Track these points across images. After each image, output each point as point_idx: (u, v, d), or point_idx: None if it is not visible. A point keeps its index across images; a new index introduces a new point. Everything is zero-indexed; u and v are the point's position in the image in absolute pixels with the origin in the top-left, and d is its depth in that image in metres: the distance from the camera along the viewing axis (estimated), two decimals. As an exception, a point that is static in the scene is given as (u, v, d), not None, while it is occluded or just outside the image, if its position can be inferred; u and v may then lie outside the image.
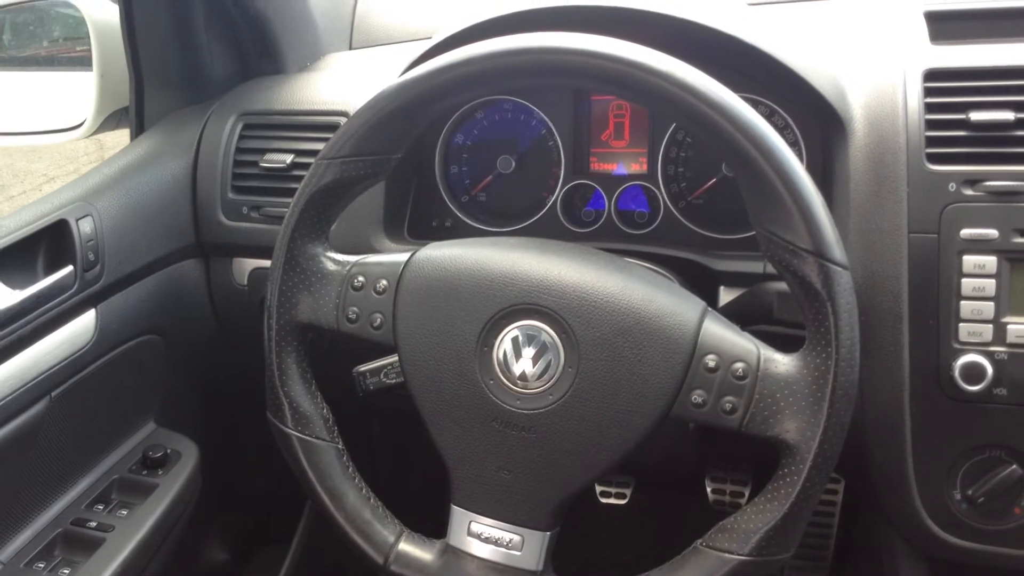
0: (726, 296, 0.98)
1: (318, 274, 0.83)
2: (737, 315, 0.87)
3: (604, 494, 1.51)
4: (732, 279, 0.97)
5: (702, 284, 0.98)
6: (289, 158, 1.11)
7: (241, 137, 1.15)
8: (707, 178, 1.06)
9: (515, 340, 0.78)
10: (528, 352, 0.77)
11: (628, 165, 1.09)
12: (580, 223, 1.10)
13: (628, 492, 1.50)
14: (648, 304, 0.76)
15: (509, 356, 0.77)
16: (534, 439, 0.77)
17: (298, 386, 0.84)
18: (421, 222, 1.14)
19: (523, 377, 0.77)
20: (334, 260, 0.84)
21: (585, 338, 0.76)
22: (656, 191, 1.07)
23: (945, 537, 0.89)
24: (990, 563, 0.90)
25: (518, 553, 0.79)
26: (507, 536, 0.79)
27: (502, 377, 0.78)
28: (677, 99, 0.72)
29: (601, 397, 0.76)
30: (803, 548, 1.51)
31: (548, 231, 1.09)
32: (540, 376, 0.77)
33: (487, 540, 0.79)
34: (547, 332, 0.77)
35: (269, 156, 1.12)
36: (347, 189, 0.82)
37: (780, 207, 0.71)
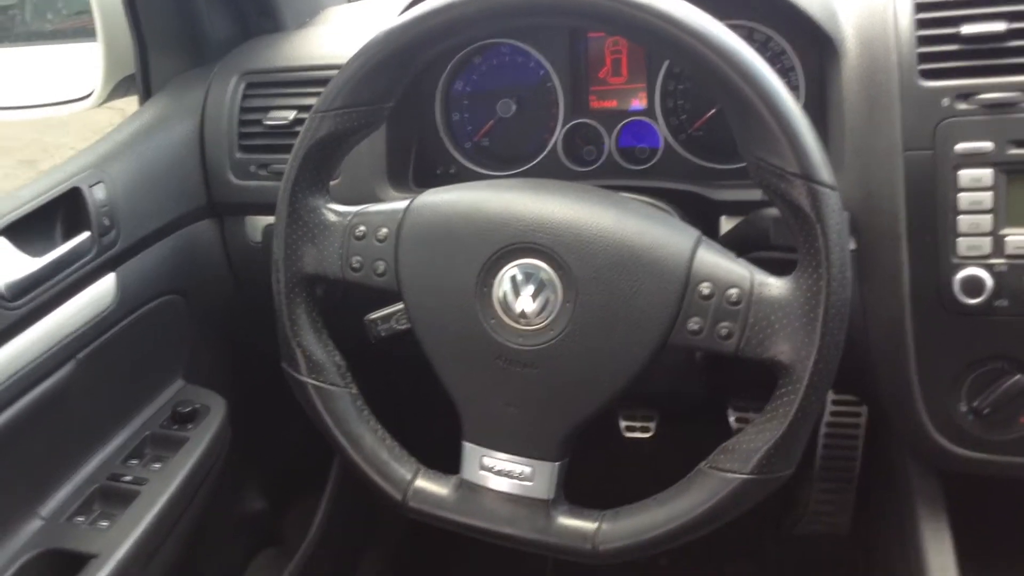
0: (727, 225, 0.99)
1: (320, 226, 0.85)
2: (736, 243, 0.88)
3: (629, 428, 1.54)
4: (733, 208, 0.98)
5: (703, 215, 0.99)
6: (292, 114, 1.13)
7: (244, 96, 1.17)
8: (706, 109, 1.06)
9: (513, 279, 0.79)
10: (527, 290, 0.79)
11: (627, 101, 1.09)
12: (583, 162, 1.11)
13: (652, 426, 1.53)
14: (641, 236, 0.77)
15: (508, 295, 0.79)
16: (538, 374, 0.79)
17: (310, 335, 0.87)
18: (425, 171, 1.15)
19: (523, 315, 0.79)
20: (335, 211, 0.86)
21: (581, 273, 0.78)
22: (656, 126, 1.07)
23: (952, 449, 0.91)
24: (997, 472, 0.92)
25: (529, 484, 0.81)
26: (518, 468, 0.81)
27: (503, 316, 0.80)
28: (658, 30, 0.72)
29: (600, 330, 0.77)
30: (830, 471, 1.54)
31: (551, 172, 1.10)
32: (539, 313, 0.79)
33: (499, 473, 0.82)
34: (544, 269, 0.79)
35: (272, 114, 1.14)
36: (343, 141, 0.84)
37: (766, 132, 0.72)
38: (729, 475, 0.76)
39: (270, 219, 1.19)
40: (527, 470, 0.81)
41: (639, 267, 0.77)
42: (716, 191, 0.99)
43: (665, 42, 0.73)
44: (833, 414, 1.50)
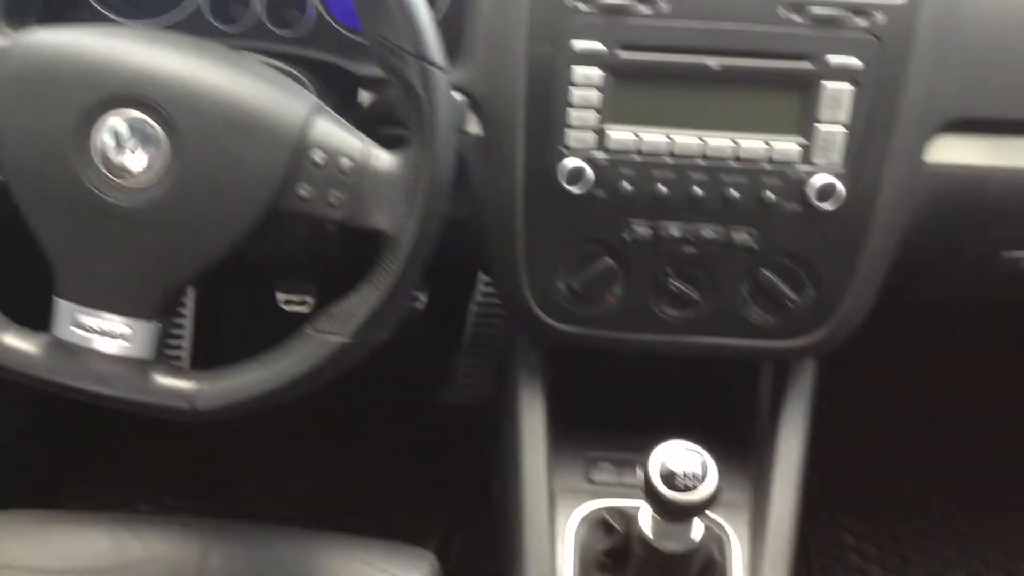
0: (366, 100, 0.99)
1: None
2: (369, 118, 0.89)
3: (288, 302, 1.54)
4: (373, 83, 0.99)
5: (345, 88, 0.98)
6: None
7: None
8: None
9: (116, 132, 0.76)
10: (130, 144, 0.76)
11: None
12: (229, 21, 1.05)
13: (310, 300, 1.54)
14: (256, 97, 0.76)
15: (109, 148, 0.76)
16: (138, 231, 0.77)
17: None
18: (53, 16, 1.05)
19: (125, 169, 0.76)
20: None
21: (189, 130, 0.75)
22: None
23: (550, 323, 1.00)
24: (589, 343, 1.02)
25: (127, 343, 0.79)
26: (115, 327, 0.79)
27: (103, 169, 0.76)
28: None
29: (206, 189, 0.76)
30: (477, 346, 1.64)
31: (194, 29, 1.04)
32: (143, 168, 0.76)
33: (94, 331, 0.79)
34: (150, 124, 0.76)
35: None
36: None
37: (385, 10, 0.74)
38: (329, 337, 0.79)
39: None
40: (126, 330, 0.79)
41: (250, 129, 0.76)
42: (360, 65, 0.99)
43: None
44: (483, 294, 1.60)
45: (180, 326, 1.48)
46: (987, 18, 0.95)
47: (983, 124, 0.96)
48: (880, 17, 0.89)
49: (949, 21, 0.92)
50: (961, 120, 0.95)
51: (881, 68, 0.90)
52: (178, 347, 1.49)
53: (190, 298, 1.50)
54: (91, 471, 1.62)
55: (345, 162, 0.76)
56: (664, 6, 0.90)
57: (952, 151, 0.96)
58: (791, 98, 0.91)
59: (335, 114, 0.80)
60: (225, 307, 1.68)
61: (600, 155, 0.92)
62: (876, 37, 0.90)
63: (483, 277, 1.57)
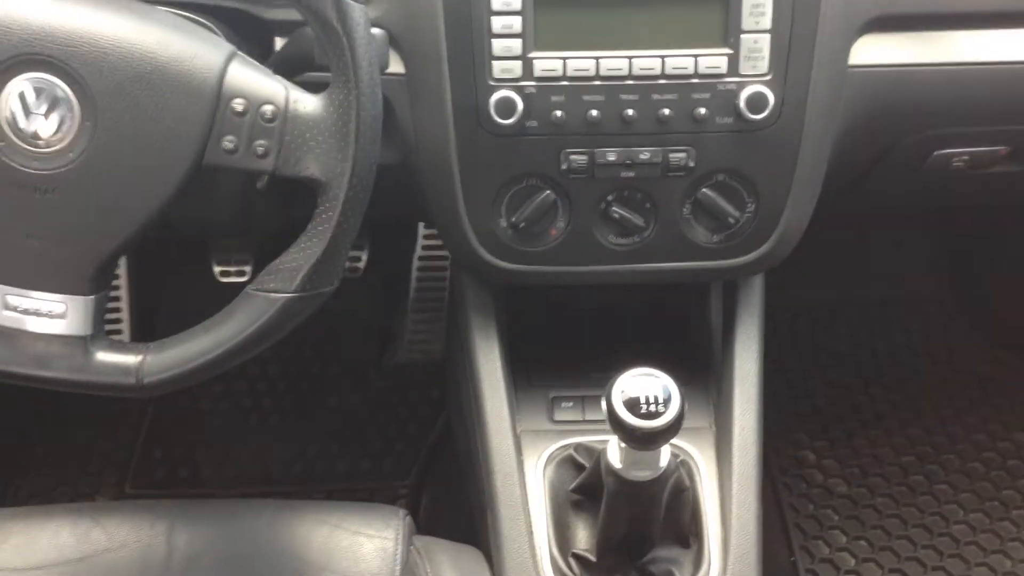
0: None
1: None
2: (287, 64, 0.86)
3: (224, 273, 1.50)
4: (286, 28, 0.95)
5: (258, 35, 0.95)
6: None
7: None
8: None
9: (22, 96, 0.72)
10: (39, 108, 0.72)
11: None
12: None
13: (248, 269, 1.50)
14: (166, 48, 0.73)
15: (17, 114, 0.72)
16: (59, 201, 0.73)
17: None
18: None
19: (36, 136, 0.72)
20: None
21: (99, 89, 0.72)
22: None
23: (495, 262, 0.98)
24: (536, 281, 1.01)
25: (63, 321, 0.76)
26: (48, 305, 0.76)
27: (13, 137, 0.72)
28: None
29: (125, 150, 0.73)
30: (423, 302, 1.63)
31: None
32: (55, 133, 0.72)
33: (26, 312, 0.76)
34: (57, 85, 0.72)
35: None
36: None
37: None
38: (273, 295, 0.77)
39: None
40: (59, 307, 0.76)
41: (165, 81, 0.72)
42: (268, 10, 0.96)
43: None
44: (425, 248, 1.58)
45: (116, 299, 1.44)
46: None
47: (902, 20, 0.97)
48: None
49: None
50: (881, 18, 0.96)
51: None
52: (118, 321, 1.45)
53: (125, 272, 1.46)
54: (43, 467, 1.57)
55: (269, 109, 0.74)
56: None
57: (875, 51, 0.97)
58: (714, 9, 0.91)
59: (252, 60, 0.77)
60: (162, 279, 1.64)
61: (528, 84, 0.91)
62: None
63: (423, 230, 1.55)
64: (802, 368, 1.77)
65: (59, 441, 1.60)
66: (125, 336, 1.45)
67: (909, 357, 1.80)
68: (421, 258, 1.59)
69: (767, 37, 0.91)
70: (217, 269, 1.51)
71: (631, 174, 0.95)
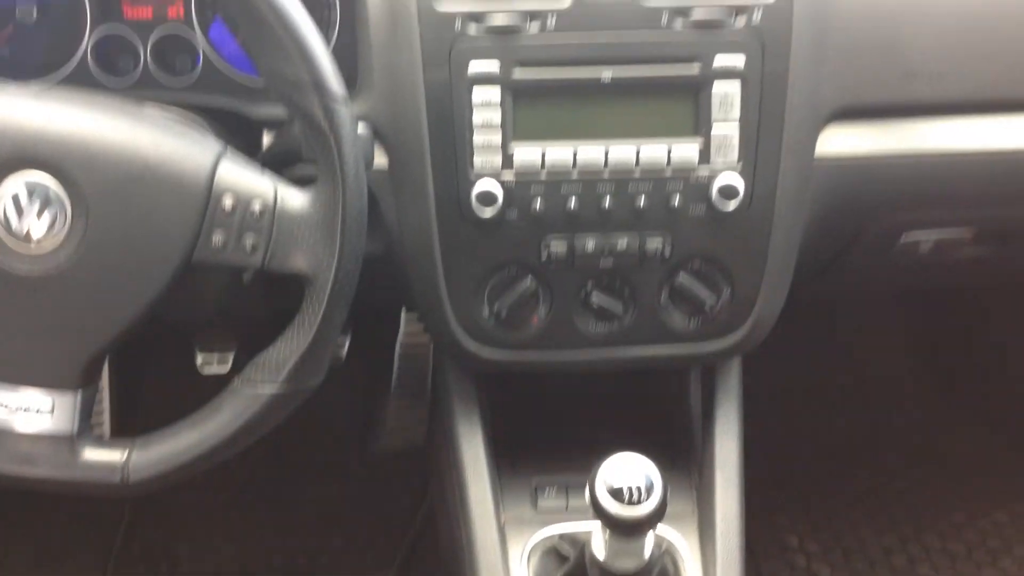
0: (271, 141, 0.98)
1: None
2: (276, 160, 0.88)
3: (206, 363, 1.50)
4: (274, 125, 0.98)
5: (246, 131, 0.97)
6: None
7: None
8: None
9: (15, 198, 0.73)
10: (32, 209, 0.73)
11: (163, 9, 1.03)
12: (118, 74, 1.03)
13: (230, 358, 1.50)
14: (157, 148, 0.75)
15: (11, 215, 0.73)
16: (50, 299, 0.74)
17: None
18: None
19: (28, 236, 0.73)
20: None
21: (92, 189, 0.74)
22: (193, 39, 1.03)
23: (479, 350, 0.99)
24: (521, 368, 1.02)
25: (50, 417, 0.76)
26: (34, 402, 0.76)
27: (5, 238, 0.73)
28: None
29: (115, 248, 0.74)
30: (405, 388, 1.62)
31: (83, 85, 1.02)
32: (47, 233, 0.73)
33: (13, 409, 0.76)
34: (50, 186, 0.73)
35: None
36: None
37: (275, 41, 0.73)
38: (260, 389, 0.78)
39: None
40: (45, 403, 0.76)
41: (156, 181, 0.74)
42: (256, 107, 0.98)
43: None
44: (407, 334, 1.58)
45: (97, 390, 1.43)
46: (858, 10, 1.00)
47: (866, 111, 1.01)
48: (758, 15, 0.93)
49: (824, 15, 0.97)
50: (845, 108, 0.99)
51: (765, 65, 0.94)
52: (99, 412, 1.44)
53: (106, 361, 1.46)
54: (20, 550, 1.54)
55: (257, 205, 0.75)
56: (552, 21, 0.92)
57: (841, 140, 1.00)
58: (685, 101, 0.94)
59: (242, 157, 0.79)
60: (142, 368, 1.63)
61: (507, 176, 0.93)
62: (756, 35, 0.93)
63: (405, 317, 1.56)
64: (782, 450, 1.78)
65: (34, 523, 1.57)
66: (105, 426, 1.44)
67: (887, 436, 1.81)
68: (403, 344, 1.59)
69: (736, 126, 0.94)
70: (200, 359, 1.51)
71: (610, 262, 0.97)
